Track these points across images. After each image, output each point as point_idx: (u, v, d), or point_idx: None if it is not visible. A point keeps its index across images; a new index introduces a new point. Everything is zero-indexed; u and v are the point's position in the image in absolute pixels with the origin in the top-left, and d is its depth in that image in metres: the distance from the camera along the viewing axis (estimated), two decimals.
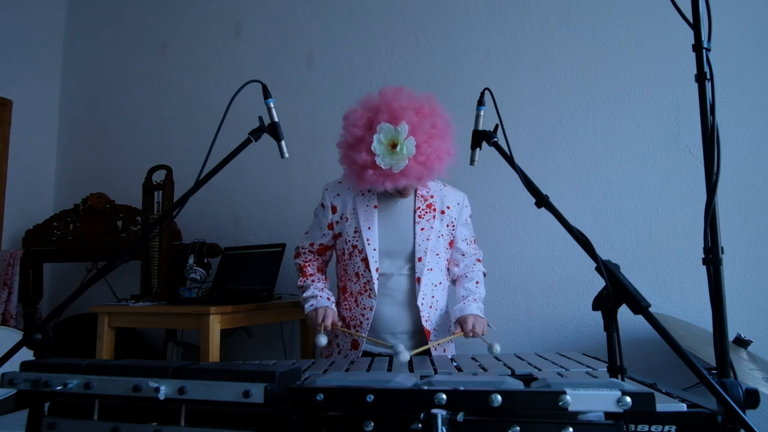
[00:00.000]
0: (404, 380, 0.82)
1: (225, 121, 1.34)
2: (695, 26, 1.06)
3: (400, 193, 1.79)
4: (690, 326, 2.03)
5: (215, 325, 2.17)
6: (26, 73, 3.59)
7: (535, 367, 1.31)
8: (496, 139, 1.32)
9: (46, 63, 3.74)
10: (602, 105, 2.41)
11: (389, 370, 1.37)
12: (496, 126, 1.32)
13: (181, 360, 2.85)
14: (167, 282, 2.67)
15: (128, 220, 3.02)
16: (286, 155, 1.40)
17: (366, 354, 1.81)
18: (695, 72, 1.04)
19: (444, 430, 0.71)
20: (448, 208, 1.86)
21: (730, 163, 2.16)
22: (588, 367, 1.32)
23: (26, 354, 1.00)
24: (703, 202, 0.99)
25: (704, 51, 1.04)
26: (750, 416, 0.79)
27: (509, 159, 1.25)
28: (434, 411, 0.72)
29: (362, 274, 1.80)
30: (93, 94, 3.71)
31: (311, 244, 1.93)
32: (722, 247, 0.99)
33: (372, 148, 1.60)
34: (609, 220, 2.35)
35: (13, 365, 0.95)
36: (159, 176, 2.74)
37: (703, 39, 1.05)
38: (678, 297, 2.22)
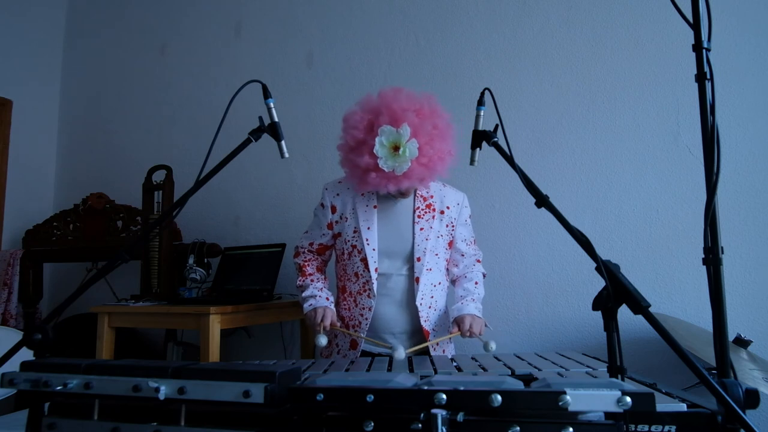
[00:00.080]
0: (404, 380, 0.82)
1: (225, 121, 1.34)
2: (695, 26, 1.06)
3: (402, 194, 1.78)
4: (690, 326, 2.03)
5: (215, 325, 2.17)
6: (26, 73, 3.59)
7: (535, 367, 1.31)
8: (496, 139, 1.32)
9: (46, 63, 3.74)
10: (602, 105, 2.41)
11: (389, 370, 1.37)
12: (496, 126, 1.32)
13: (181, 360, 2.85)
14: (167, 282, 2.67)
15: (128, 220, 3.02)
16: (286, 155, 1.40)
17: (365, 354, 1.81)
18: (695, 72, 1.04)
19: (444, 430, 0.71)
20: (448, 208, 1.86)
21: (730, 163, 2.16)
22: (588, 367, 1.32)
23: (26, 354, 1.00)
24: (703, 202, 0.99)
25: (704, 51, 1.04)
26: (750, 416, 0.79)
27: (509, 159, 1.25)
28: (434, 411, 0.72)
29: (361, 274, 1.80)
30: (93, 94, 3.71)
31: (311, 244, 1.93)
32: (722, 247, 0.99)
33: (374, 151, 1.60)
34: (609, 220, 2.35)
35: (13, 365, 0.95)
36: (159, 176, 2.74)
37: (703, 39, 1.05)
38: (678, 297, 2.22)
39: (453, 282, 1.94)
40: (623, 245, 2.31)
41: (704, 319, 2.13)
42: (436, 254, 1.83)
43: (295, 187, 2.97)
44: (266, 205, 3.03)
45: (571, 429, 0.70)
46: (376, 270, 1.78)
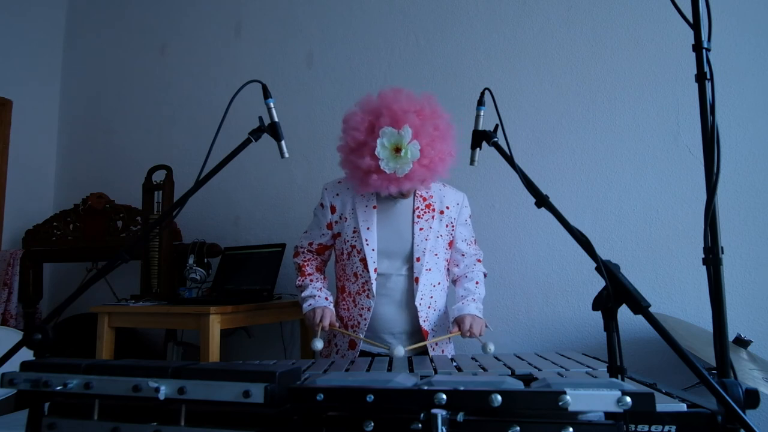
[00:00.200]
0: (404, 380, 0.82)
1: (225, 121, 1.34)
2: (695, 26, 1.06)
3: (402, 194, 1.78)
4: (690, 326, 2.03)
5: (215, 325, 2.17)
6: (26, 73, 3.59)
7: (535, 367, 1.31)
8: (496, 139, 1.32)
9: (46, 63, 3.74)
10: (602, 105, 2.41)
11: (389, 370, 1.37)
12: (496, 126, 1.32)
13: (181, 360, 2.85)
14: (167, 282, 2.67)
15: (128, 220, 3.02)
16: (286, 155, 1.40)
17: (364, 354, 1.81)
18: (695, 72, 1.04)
19: (444, 430, 0.71)
20: (448, 208, 1.86)
21: (730, 163, 2.16)
22: (588, 367, 1.32)
23: (26, 354, 1.00)
24: (703, 202, 0.99)
25: (704, 51, 1.04)
26: (750, 416, 0.79)
27: (509, 159, 1.25)
28: (434, 411, 0.72)
29: (360, 275, 1.80)
30: (93, 94, 3.71)
31: (310, 244, 1.93)
32: (722, 247, 0.99)
33: (375, 153, 1.60)
34: (609, 220, 2.35)
35: (13, 365, 0.95)
36: (159, 176, 2.75)
37: (703, 39, 1.05)
38: (678, 297, 2.22)
39: (454, 282, 1.94)
40: (623, 245, 2.31)
41: (704, 319, 2.13)
42: (436, 254, 1.83)
43: (295, 187, 2.97)
44: (266, 205, 3.03)
45: (571, 429, 0.70)
46: (375, 270, 1.78)
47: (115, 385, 0.84)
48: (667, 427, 0.85)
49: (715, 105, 1.02)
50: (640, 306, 0.93)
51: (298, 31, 3.08)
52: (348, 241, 1.82)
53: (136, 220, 2.99)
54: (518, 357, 1.51)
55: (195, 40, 3.39)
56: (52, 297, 3.45)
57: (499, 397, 0.71)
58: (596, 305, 0.99)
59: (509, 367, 1.31)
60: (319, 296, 1.80)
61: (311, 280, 1.86)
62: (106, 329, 2.40)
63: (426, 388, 0.74)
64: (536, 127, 2.50)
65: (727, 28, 2.21)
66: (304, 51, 3.05)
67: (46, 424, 0.88)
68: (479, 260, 1.95)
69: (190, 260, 2.67)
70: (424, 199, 1.85)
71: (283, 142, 1.39)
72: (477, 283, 1.87)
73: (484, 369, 1.32)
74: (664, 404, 0.90)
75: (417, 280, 1.79)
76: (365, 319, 1.79)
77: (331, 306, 1.81)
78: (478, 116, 1.38)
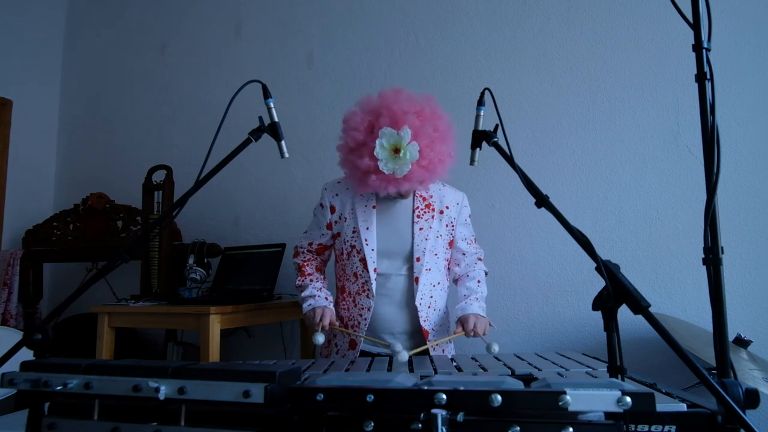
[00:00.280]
0: (404, 380, 0.82)
1: (225, 121, 1.34)
2: (695, 26, 1.06)
3: (401, 195, 1.78)
4: (690, 326, 2.03)
5: (215, 325, 2.17)
6: (26, 73, 3.59)
7: (535, 367, 1.31)
8: (496, 139, 1.32)
9: (46, 63, 3.74)
10: (602, 105, 2.41)
11: (389, 370, 1.37)
12: (496, 126, 1.32)
13: (181, 360, 2.85)
14: (167, 282, 2.67)
15: (128, 220, 3.02)
16: (286, 155, 1.40)
17: (364, 354, 1.81)
18: (695, 72, 1.04)
19: (444, 430, 0.71)
20: (447, 208, 1.86)
21: (730, 163, 2.16)
22: (588, 367, 1.32)
23: (26, 354, 1.00)
24: (703, 202, 0.99)
25: (704, 51, 1.04)
26: (750, 416, 0.79)
27: (509, 159, 1.25)
28: (434, 411, 0.72)
29: (360, 274, 1.80)
30: (93, 94, 3.71)
31: (310, 244, 1.93)
32: (722, 247, 0.99)
33: (374, 153, 1.60)
34: (609, 220, 2.35)
35: (13, 365, 0.95)
36: (159, 176, 2.74)
37: (703, 39, 1.05)
38: (678, 297, 2.22)
39: (455, 281, 1.94)
40: (623, 245, 2.31)
41: (704, 319, 2.13)
42: (436, 254, 1.83)
43: (295, 187, 2.97)
44: (266, 205, 3.03)
45: (571, 429, 0.70)
46: (374, 270, 1.78)
47: (115, 385, 0.84)
48: (667, 427, 0.85)
49: (715, 105, 1.02)
50: (640, 306, 0.93)
51: (298, 31, 3.08)
52: (348, 241, 1.83)
53: (136, 220, 2.99)
54: (518, 357, 1.51)
55: (195, 40, 3.39)
56: (52, 297, 3.45)
57: (499, 397, 0.71)
58: (596, 305, 0.99)
59: (509, 367, 1.31)
60: (319, 296, 1.80)
61: (311, 280, 1.86)
62: (106, 329, 2.40)
63: (426, 388, 0.74)
64: (536, 127, 2.50)
65: (727, 28, 2.21)
66: (304, 51, 3.05)
67: (46, 424, 0.88)
68: (480, 259, 1.95)
69: (190, 260, 2.67)
70: (424, 199, 1.85)
71: (283, 142, 1.39)
72: (479, 281, 1.88)
73: (484, 369, 1.32)
74: (664, 404, 0.90)
75: (417, 280, 1.79)
76: (365, 319, 1.79)
77: (331, 306, 1.81)
78: (478, 116, 1.38)
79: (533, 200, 1.16)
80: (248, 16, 3.23)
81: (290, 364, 0.93)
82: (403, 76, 2.77)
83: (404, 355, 1.48)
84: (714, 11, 1.07)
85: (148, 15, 3.58)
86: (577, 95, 2.46)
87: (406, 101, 1.64)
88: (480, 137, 1.37)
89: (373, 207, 1.82)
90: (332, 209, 1.86)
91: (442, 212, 1.84)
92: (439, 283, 1.85)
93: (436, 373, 1.32)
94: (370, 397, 0.75)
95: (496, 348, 1.61)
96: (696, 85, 1.04)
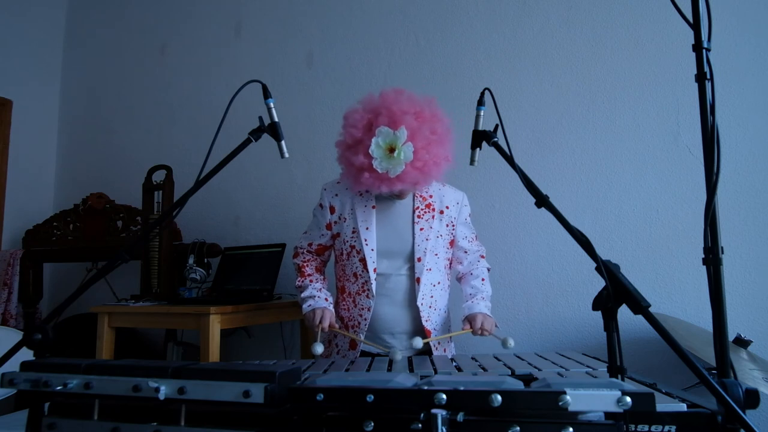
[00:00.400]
0: (404, 380, 0.82)
1: (225, 121, 1.34)
2: (695, 26, 1.06)
3: (397, 195, 1.79)
4: (690, 326, 2.03)
5: (215, 325, 2.17)
6: (26, 73, 3.59)
7: (535, 367, 1.31)
8: (496, 139, 1.32)
9: (46, 63, 3.74)
10: (602, 105, 2.41)
11: (389, 370, 1.37)
12: (496, 126, 1.32)
13: (181, 360, 2.85)
14: (167, 282, 2.67)
15: (128, 220, 3.02)
16: (286, 155, 1.40)
17: (364, 354, 1.81)
18: (695, 72, 1.04)
19: (444, 430, 0.71)
20: (447, 207, 1.86)
21: (730, 163, 2.16)
22: (588, 367, 1.32)
23: (26, 354, 1.00)
24: (703, 202, 0.99)
25: (704, 51, 1.04)
26: (750, 416, 0.79)
27: (509, 159, 1.25)
28: (434, 411, 0.72)
29: (360, 275, 1.80)
30: (93, 94, 3.71)
31: (309, 244, 1.93)
32: (722, 247, 0.99)
33: (370, 151, 1.60)
34: (609, 220, 2.35)
35: (13, 365, 0.95)
36: (159, 176, 2.74)
37: (703, 39, 1.05)
38: (678, 297, 2.22)
39: (459, 279, 1.95)
40: (623, 245, 2.31)
41: (704, 319, 2.13)
42: (436, 254, 1.83)
43: (295, 187, 2.97)
44: (266, 205, 3.03)
45: (571, 429, 0.70)
46: (374, 270, 1.78)
47: (115, 385, 0.84)
48: (667, 427, 0.85)
49: (715, 105, 1.02)
50: (640, 306, 0.93)
51: (298, 31, 3.08)
52: (347, 241, 1.83)
53: (136, 220, 2.99)
54: (518, 357, 1.51)
55: (195, 40, 3.39)
56: (52, 297, 3.45)
57: (499, 397, 0.71)
58: (596, 305, 0.99)
59: (509, 367, 1.31)
60: (318, 297, 1.80)
61: (311, 281, 1.86)
62: (106, 329, 2.40)
63: (426, 388, 0.74)
64: (536, 127, 2.50)
65: (727, 28, 2.21)
66: (304, 51, 3.05)
67: (46, 424, 0.88)
68: (482, 256, 1.95)
69: (190, 260, 2.67)
70: (424, 199, 1.85)
71: (283, 142, 1.39)
72: (483, 280, 1.89)
73: (484, 369, 1.32)
74: (664, 404, 0.90)
75: (419, 280, 1.79)
76: (365, 320, 1.80)
77: (331, 307, 1.81)
78: (478, 116, 1.39)
79: (533, 200, 1.16)
80: (248, 16, 3.23)
81: (290, 364, 0.93)
82: (403, 76, 2.77)
83: (418, 341, 1.49)
84: (714, 11, 1.07)
85: (148, 15, 3.57)
86: (577, 95, 2.46)
87: (407, 102, 1.65)
88: (480, 137, 1.37)
89: (373, 207, 1.82)
90: (332, 209, 1.86)
91: (442, 212, 1.84)
92: (439, 283, 1.85)
93: (436, 373, 1.32)
94: (370, 397, 0.75)
95: (511, 342, 1.62)
96: (696, 85, 1.04)
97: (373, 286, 1.78)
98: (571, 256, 2.35)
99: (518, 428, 0.71)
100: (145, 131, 3.46)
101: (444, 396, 0.72)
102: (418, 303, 1.78)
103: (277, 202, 3.00)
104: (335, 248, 1.91)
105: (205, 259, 2.73)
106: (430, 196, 1.86)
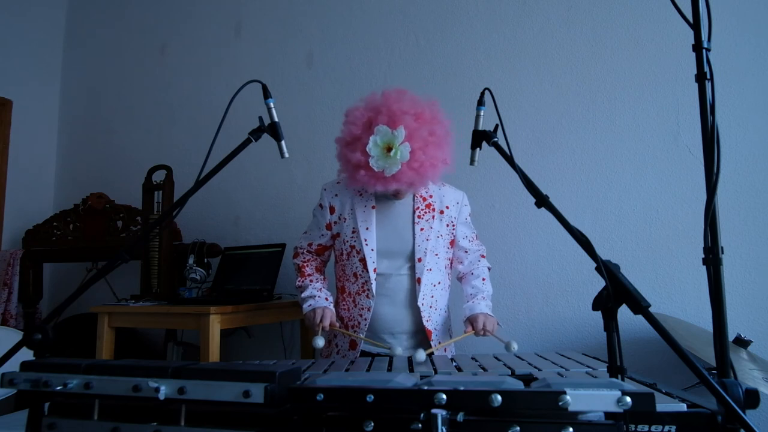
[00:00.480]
0: (404, 380, 0.82)
1: (225, 121, 1.34)
2: (695, 26, 1.06)
3: (394, 195, 1.79)
4: (690, 326, 2.03)
5: (215, 325, 2.17)
6: (26, 73, 3.59)
7: (535, 367, 1.31)
8: (496, 139, 1.32)
9: (46, 63, 3.74)
10: (602, 105, 2.41)
11: (389, 370, 1.37)
12: (496, 126, 1.32)
13: (181, 360, 2.85)
14: (167, 282, 2.67)
15: (128, 220, 3.02)
16: (286, 155, 1.40)
17: (365, 354, 1.81)
18: (695, 72, 1.04)
19: (444, 430, 0.71)
20: (447, 207, 1.86)
21: (730, 163, 2.16)
22: (588, 367, 1.32)
23: (26, 354, 1.00)
24: (703, 202, 0.99)
25: (704, 51, 1.04)
26: (750, 416, 0.79)
27: (509, 159, 1.25)
28: (434, 411, 0.72)
29: (360, 275, 1.80)
30: (93, 94, 3.71)
31: (309, 244, 1.93)
32: (722, 247, 0.99)
33: (367, 149, 1.61)
34: (609, 220, 2.35)
35: (13, 365, 0.95)
36: (159, 176, 2.74)
37: (703, 39, 1.05)
38: (678, 297, 2.22)
39: (460, 279, 1.95)
40: (623, 245, 2.31)
41: (704, 319, 2.13)
42: (436, 254, 1.83)
43: (295, 187, 2.97)
44: (266, 205, 3.03)
45: (571, 429, 0.70)
46: (374, 270, 1.78)
47: (115, 385, 0.84)
48: (667, 427, 0.85)
49: (715, 105, 1.02)
50: (640, 306, 0.93)
51: (298, 31, 3.08)
52: (347, 241, 1.83)
53: (136, 220, 2.99)
54: (518, 357, 1.51)
55: (195, 40, 3.39)
56: (52, 297, 3.45)
57: (499, 397, 0.71)
58: (596, 305, 0.99)
59: (509, 367, 1.31)
60: (319, 297, 1.80)
61: (311, 281, 1.86)
62: (106, 329, 2.40)
63: (426, 388, 0.74)
64: (536, 127, 2.50)
65: (727, 28, 2.21)
66: (304, 51, 3.05)
67: (46, 424, 0.88)
68: (483, 255, 1.95)
69: (190, 260, 2.67)
70: (424, 199, 1.85)
71: (283, 142, 1.39)
72: (483, 279, 1.89)
73: (484, 369, 1.32)
74: (664, 404, 0.90)
75: (419, 280, 1.79)
76: (365, 319, 1.80)
77: (332, 306, 1.81)
78: (478, 116, 1.39)
79: (533, 200, 1.16)
80: (248, 16, 3.23)
81: (290, 364, 0.93)
82: (403, 76, 2.77)
83: (421, 354, 1.45)
84: (714, 11, 1.07)
85: (148, 15, 3.57)
86: (577, 95, 2.46)
87: (408, 102, 1.65)
88: (480, 137, 1.37)
89: (373, 207, 1.82)
90: (332, 209, 1.86)
91: (442, 212, 1.84)
92: (439, 283, 1.85)
93: (436, 373, 1.32)
94: (370, 397, 0.75)
95: (515, 346, 1.60)
96: (696, 85, 1.04)
97: (373, 286, 1.78)
98: (571, 256, 2.35)
99: (518, 428, 0.71)
100: (145, 131, 3.46)
101: (444, 396, 0.72)
102: (419, 303, 1.78)
103: (277, 202, 3.00)
104: (335, 248, 1.91)
105: (205, 259, 2.73)
106: (430, 196, 1.86)
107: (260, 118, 1.36)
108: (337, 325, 1.78)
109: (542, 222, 2.40)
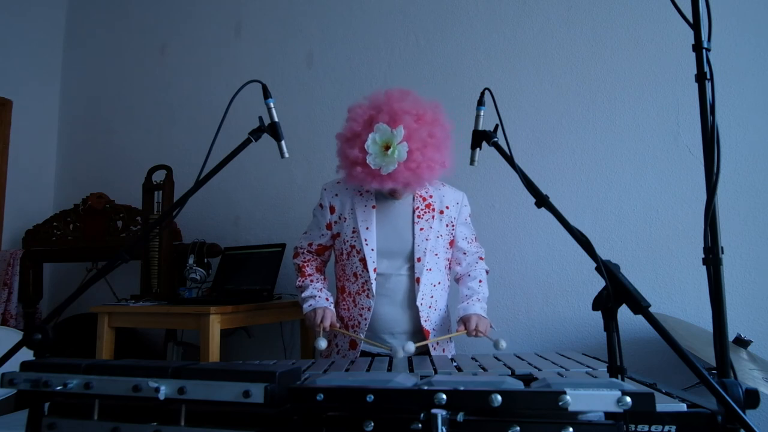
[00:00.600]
0: (404, 380, 0.82)
1: (225, 121, 1.34)
2: (695, 26, 1.06)
3: (392, 195, 1.79)
4: (690, 326, 2.03)
5: (215, 325, 2.17)
6: (26, 73, 3.59)
7: (535, 367, 1.31)
8: (496, 139, 1.32)
9: (46, 63, 3.74)
10: (602, 105, 2.41)
11: (389, 370, 1.37)
12: (496, 126, 1.32)
13: (181, 360, 2.85)
14: (167, 282, 2.67)
15: (128, 220, 3.02)
16: (286, 155, 1.40)
17: (365, 354, 1.81)
18: (695, 72, 1.04)
19: (444, 430, 0.71)
20: (447, 207, 1.86)
21: (730, 163, 2.16)
22: (588, 367, 1.32)
23: (26, 354, 1.00)
24: (703, 202, 0.99)
25: (704, 51, 1.04)
26: (750, 416, 0.79)
27: (509, 159, 1.25)
28: (434, 411, 0.72)
29: (360, 275, 1.80)
30: (93, 94, 3.71)
31: (310, 244, 1.93)
32: (722, 247, 0.99)
33: (365, 146, 1.61)
34: (609, 220, 2.35)
35: (13, 365, 0.95)
36: (159, 176, 2.74)
37: (703, 39, 1.05)
38: (678, 297, 2.22)
39: (457, 280, 1.95)
40: (623, 245, 2.31)
41: (704, 319, 2.13)
42: (436, 254, 1.83)
43: (295, 187, 2.97)
44: (266, 205, 3.03)
45: (571, 429, 0.70)
46: (374, 270, 1.78)
47: (115, 385, 0.84)
48: (667, 427, 0.85)
49: (715, 105, 1.02)
50: (640, 306, 0.93)
51: (298, 31, 3.08)
52: (347, 241, 1.83)
53: (136, 220, 2.99)
54: (518, 357, 1.51)
55: (195, 40, 3.39)
56: (52, 297, 3.45)
57: (499, 397, 0.71)
58: (596, 305, 0.99)
59: (509, 367, 1.31)
60: (319, 297, 1.80)
61: (311, 281, 1.86)
62: (106, 329, 2.40)
63: (426, 388, 0.74)
64: (536, 127, 2.50)
65: (727, 28, 2.21)
66: (304, 51, 3.05)
67: (46, 424, 0.88)
68: (481, 258, 1.95)
69: (190, 260, 2.67)
70: (424, 199, 1.85)
71: (283, 142, 1.39)
72: (480, 281, 1.88)
73: (484, 369, 1.32)
74: (664, 404, 0.90)
75: (418, 280, 1.79)
76: (365, 319, 1.80)
77: (332, 306, 1.81)
78: (478, 116, 1.39)
79: (533, 200, 1.16)
80: (248, 16, 3.23)
81: (290, 364, 0.93)
82: (403, 76, 2.77)
83: (411, 347, 1.48)
84: (714, 11, 1.07)
85: (148, 15, 3.57)
86: (577, 95, 2.46)
87: (410, 103, 1.65)
88: (480, 137, 1.37)
89: (373, 207, 1.82)
90: (332, 209, 1.86)
91: (442, 212, 1.84)
92: (439, 283, 1.85)
93: (436, 373, 1.31)
94: (370, 397, 0.75)
95: (503, 344, 1.61)
96: (696, 85, 1.04)
97: (373, 286, 1.78)
98: (571, 256, 2.35)
99: (518, 428, 0.71)
100: (145, 131, 3.46)
101: (444, 396, 0.72)
102: (418, 303, 1.78)
103: (277, 202, 3.00)
104: (335, 248, 1.91)
105: (205, 259, 2.73)
106: (430, 197, 1.86)
107: (260, 118, 1.36)
108: (338, 325, 1.78)
109: (542, 222, 2.40)
